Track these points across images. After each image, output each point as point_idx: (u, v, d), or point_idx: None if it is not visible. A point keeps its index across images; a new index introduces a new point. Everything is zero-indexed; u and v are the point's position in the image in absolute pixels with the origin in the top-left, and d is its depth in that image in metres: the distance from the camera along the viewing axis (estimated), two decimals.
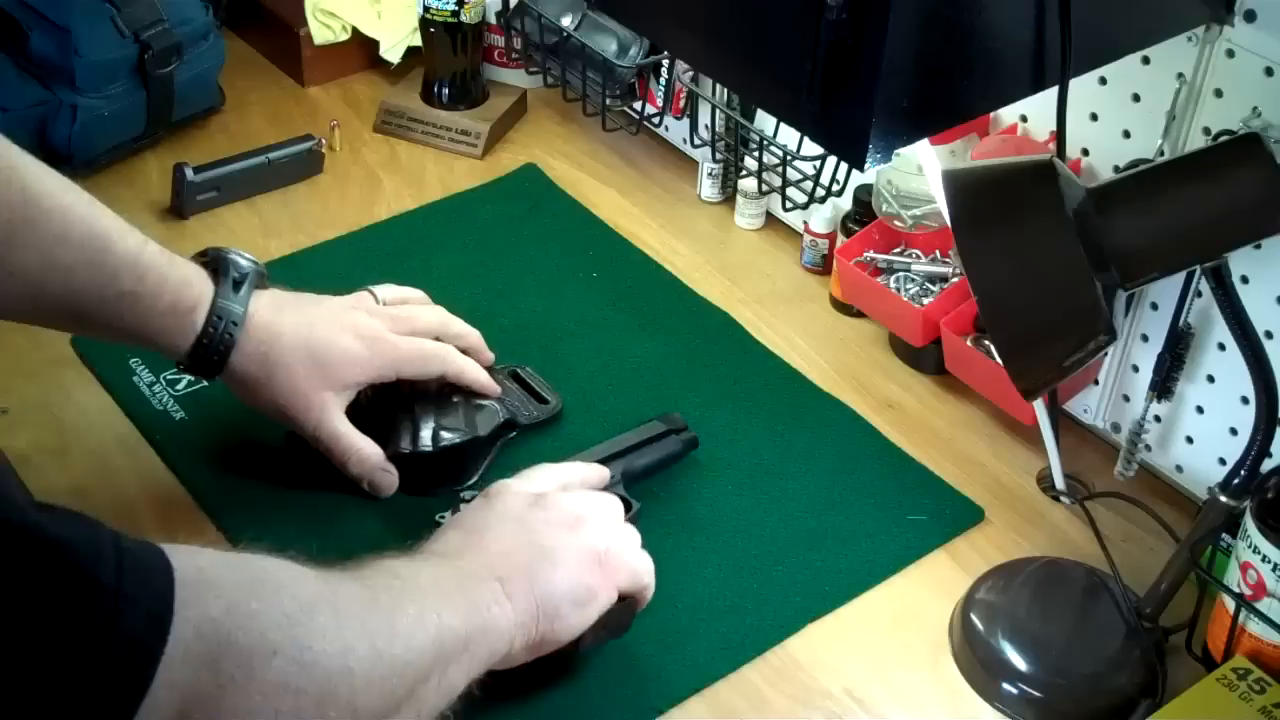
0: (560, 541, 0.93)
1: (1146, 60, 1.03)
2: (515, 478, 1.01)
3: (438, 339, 1.15)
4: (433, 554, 0.90)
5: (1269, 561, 0.93)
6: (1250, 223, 0.85)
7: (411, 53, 1.61)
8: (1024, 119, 1.16)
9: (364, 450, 1.09)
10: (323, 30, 1.60)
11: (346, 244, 1.39)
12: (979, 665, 1.02)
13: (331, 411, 1.08)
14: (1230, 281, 0.87)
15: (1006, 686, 1.00)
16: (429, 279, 1.35)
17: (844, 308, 1.34)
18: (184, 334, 1.03)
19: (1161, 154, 1.04)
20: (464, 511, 0.97)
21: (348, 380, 1.09)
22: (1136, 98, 1.06)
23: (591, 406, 1.22)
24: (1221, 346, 1.07)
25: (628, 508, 1.09)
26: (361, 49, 1.64)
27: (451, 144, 1.55)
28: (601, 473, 1.08)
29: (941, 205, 1.03)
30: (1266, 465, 0.94)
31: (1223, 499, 0.96)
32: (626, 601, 0.98)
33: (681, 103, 1.46)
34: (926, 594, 1.08)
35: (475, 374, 1.15)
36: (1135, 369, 1.14)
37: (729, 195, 1.47)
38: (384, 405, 1.13)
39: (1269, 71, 0.96)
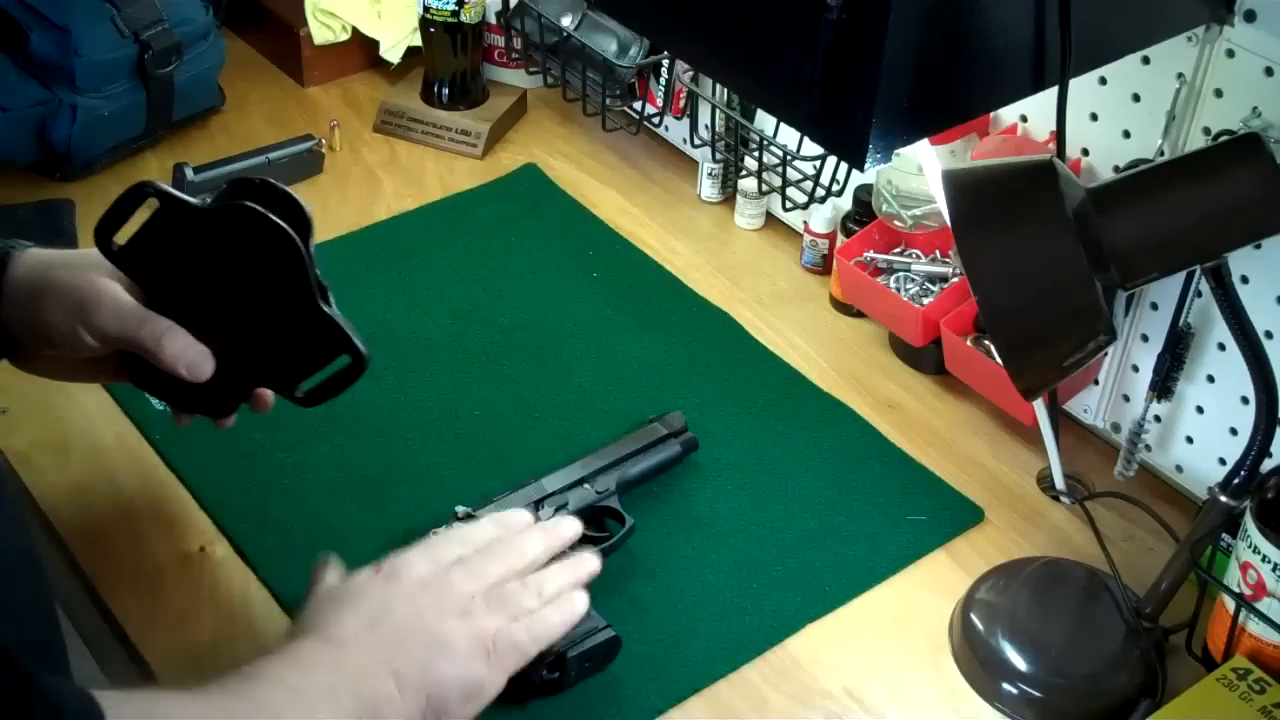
0: (453, 630, 0.91)
1: (1146, 60, 1.03)
2: (414, 549, 0.95)
3: None
4: (326, 640, 0.88)
5: (1269, 561, 0.93)
6: (1250, 223, 0.85)
7: (411, 53, 1.61)
8: (1024, 119, 1.16)
9: (174, 327, 0.95)
10: (323, 30, 1.60)
11: (346, 244, 1.39)
12: (979, 665, 1.02)
13: (124, 293, 0.95)
14: (1230, 281, 0.87)
15: (1006, 686, 1.00)
16: (429, 279, 1.35)
17: (844, 308, 1.34)
18: None
19: (1161, 154, 1.04)
20: (359, 588, 0.93)
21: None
22: (1136, 98, 1.06)
23: (591, 406, 1.22)
24: (1221, 346, 1.07)
25: (621, 523, 1.09)
26: (361, 49, 1.64)
27: (451, 144, 1.55)
28: (520, 517, 1.01)
29: (941, 205, 1.03)
30: (1266, 465, 0.94)
31: (1223, 499, 0.96)
32: (612, 638, 0.99)
33: (681, 103, 1.46)
34: (926, 594, 1.08)
35: None
36: (1135, 369, 1.14)
37: (729, 195, 1.47)
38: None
39: (1269, 71, 0.96)
